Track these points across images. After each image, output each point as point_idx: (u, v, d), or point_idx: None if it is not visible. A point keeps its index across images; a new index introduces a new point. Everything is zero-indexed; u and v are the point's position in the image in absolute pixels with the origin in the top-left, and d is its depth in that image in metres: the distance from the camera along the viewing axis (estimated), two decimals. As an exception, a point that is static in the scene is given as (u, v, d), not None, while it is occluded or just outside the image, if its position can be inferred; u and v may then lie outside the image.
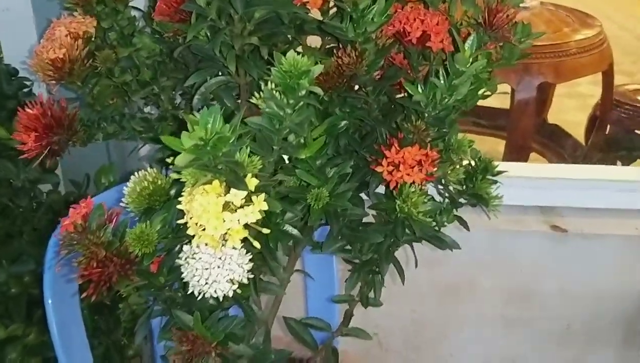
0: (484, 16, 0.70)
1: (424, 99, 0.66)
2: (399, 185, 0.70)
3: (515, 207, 1.36)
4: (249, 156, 0.59)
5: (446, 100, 0.66)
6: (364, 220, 0.79)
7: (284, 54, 0.60)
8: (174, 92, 0.86)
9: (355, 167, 0.77)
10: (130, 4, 0.86)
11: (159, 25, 0.80)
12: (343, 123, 0.75)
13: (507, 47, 0.76)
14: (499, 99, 2.62)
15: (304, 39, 0.85)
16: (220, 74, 0.77)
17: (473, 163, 0.81)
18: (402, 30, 0.71)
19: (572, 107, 3.22)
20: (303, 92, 0.59)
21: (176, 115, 0.85)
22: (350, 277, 0.82)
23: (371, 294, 0.85)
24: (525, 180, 1.36)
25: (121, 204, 0.70)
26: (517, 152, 2.19)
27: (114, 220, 0.64)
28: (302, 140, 0.66)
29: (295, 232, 0.70)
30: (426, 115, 0.68)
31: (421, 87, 0.66)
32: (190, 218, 0.59)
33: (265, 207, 0.58)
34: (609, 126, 2.39)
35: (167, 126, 0.82)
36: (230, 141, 0.53)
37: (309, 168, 0.68)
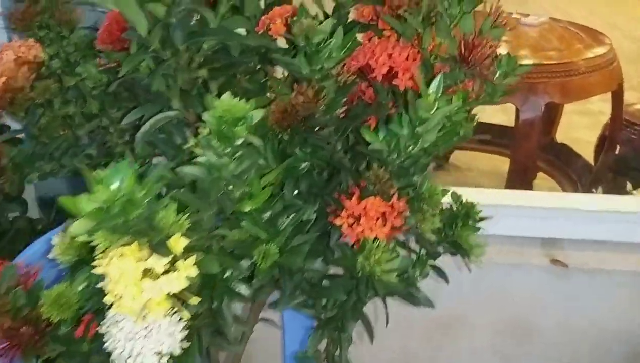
0: (459, 51, 0.62)
1: (385, 147, 0.57)
2: (360, 240, 0.62)
3: (512, 238, 1.28)
4: (177, 213, 0.52)
5: (410, 148, 0.57)
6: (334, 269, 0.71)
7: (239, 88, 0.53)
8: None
9: (320, 212, 0.70)
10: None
11: (103, 54, 0.73)
12: (304, 164, 0.68)
13: (489, 82, 0.67)
14: (506, 115, 2.54)
15: (270, 68, 0.77)
16: (171, 107, 0.70)
17: (454, 207, 0.74)
18: (366, 65, 0.63)
19: (583, 125, 3.12)
20: (240, 141, 0.51)
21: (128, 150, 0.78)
22: (314, 334, 0.74)
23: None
24: (523, 209, 1.28)
25: (49, 256, 0.63)
26: (521, 173, 2.10)
27: (31, 279, 0.56)
28: (247, 189, 0.58)
29: (243, 290, 0.62)
30: (389, 164, 0.59)
31: (383, 133, 0.57)
32: (109, 282, 0.51)
33: (193, 273, 0.50)
34: (618, 146, 2.31)
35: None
36: (144, 202, 0.45)
37: (255, 221, 0.60)
